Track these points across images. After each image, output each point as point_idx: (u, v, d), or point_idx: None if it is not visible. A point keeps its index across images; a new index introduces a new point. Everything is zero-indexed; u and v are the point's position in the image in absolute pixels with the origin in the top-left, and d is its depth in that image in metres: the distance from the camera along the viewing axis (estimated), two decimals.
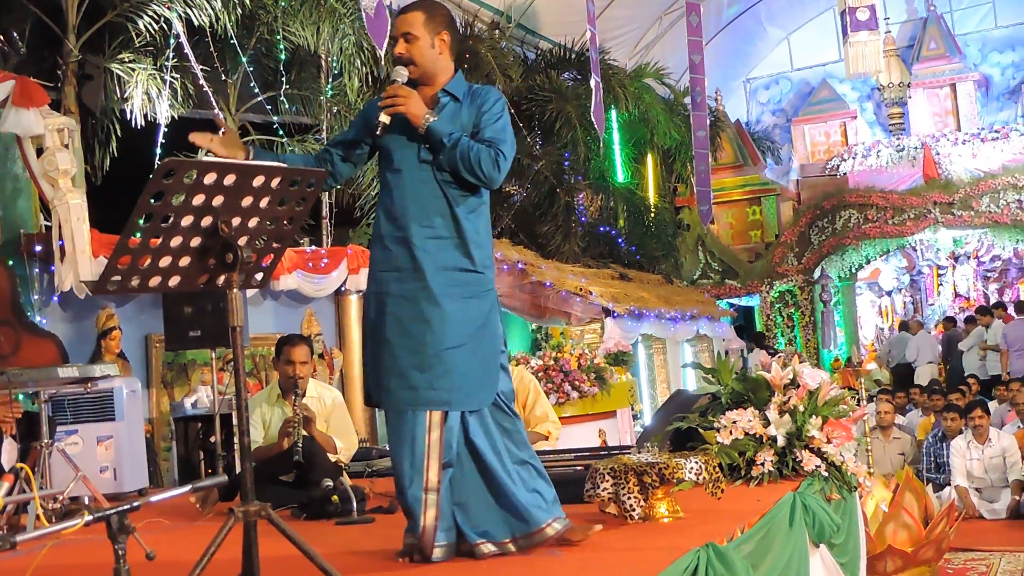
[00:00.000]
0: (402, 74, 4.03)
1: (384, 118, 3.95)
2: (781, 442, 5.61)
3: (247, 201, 2.71)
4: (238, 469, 7.39)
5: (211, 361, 8.57)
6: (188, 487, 2.97)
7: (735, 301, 22.01)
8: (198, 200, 2.62)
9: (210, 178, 2.59)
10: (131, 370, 9.09)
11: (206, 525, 5.61)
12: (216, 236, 2.68)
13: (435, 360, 3.90)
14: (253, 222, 2.77)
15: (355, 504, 5.49)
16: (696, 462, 4.67)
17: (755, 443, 5.62)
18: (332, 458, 6.13)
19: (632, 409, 12.55)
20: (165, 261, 2.69)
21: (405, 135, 4.01)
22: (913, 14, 25.16)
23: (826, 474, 5.62)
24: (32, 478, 2.74)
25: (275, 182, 2.73)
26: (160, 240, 2.64)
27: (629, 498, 4.53)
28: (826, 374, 6.03)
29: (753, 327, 22.69)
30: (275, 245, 2.91)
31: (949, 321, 20.32)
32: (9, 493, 2.54)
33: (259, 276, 2.91)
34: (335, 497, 5.57)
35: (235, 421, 8.49)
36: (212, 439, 8.51)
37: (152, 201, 2.55)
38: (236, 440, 8.03)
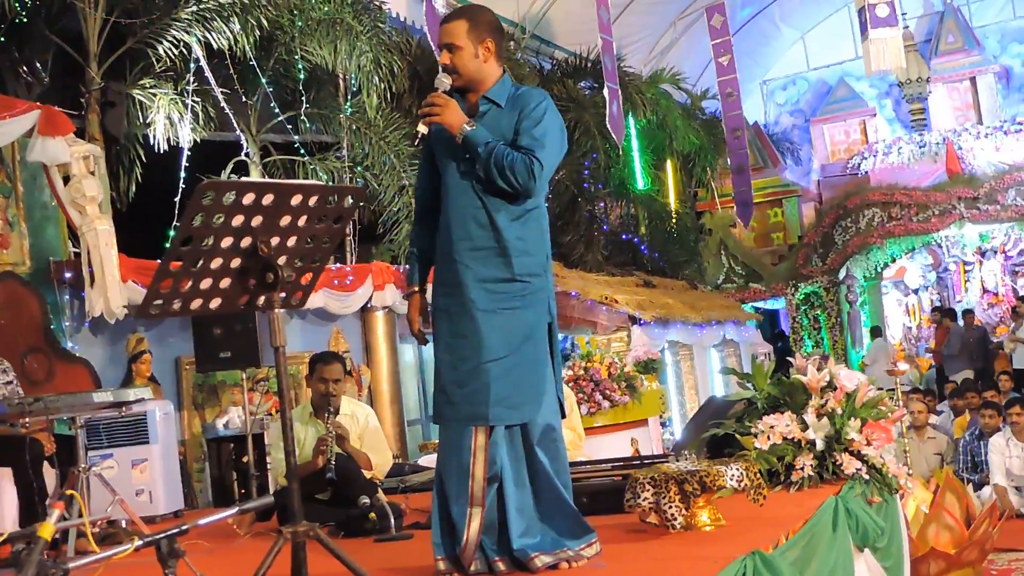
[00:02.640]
0: (444, 83, 4.01)
1: (422, 128, 3.94)
2: (820, 446, 5.57)
3: (285, 220, 2.70)
4: (271, 488, 7.40)
5: (241, 382, 8.56)
6: (235, 508, 2.95)
7: (760, 304, 21.90)
8: (237, 221, 2.61)
9: (248, 198, 2.58)
10: (162, 393, 9.10)
11: (247, 546, 5.59)
12: (256, 256, 2.68)
13: (472, 375, 3.88)
14: (292, 241, 2.77)
15: (393, 520, 5.47)
16: (737, 469, 4.62)
17: (794, 448, 5.58)
18: (367, 475, 6.11)
19: (660, 417, 12.50)
20: (206, 283, 2.68)
21: (449, 146, 4.00)
22: (930, 8, 25.03)
23: (867, 477, 5.57)
24: (83, 504, 2.73)
25: (313, 200, 2.72)
26: (201, 262, 2.63)
27: (671, 507, 4.49)
28: (863, 376, 5.98)
29: (778, 330, 22.62)
30: (314, 264, 2.90)
31: (969, 314, 20.16)
32: (60, 520, 2.53)
33: (299, 295, 2.89)
34: (372, 514, 5.55)
35: (267, 440, 8.50)
36: (244, 459, 8.49)
37: (193, 224, 2.54)
38: (270, 459, 8.04)
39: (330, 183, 11.18)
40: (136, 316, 2.97)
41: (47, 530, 2.48)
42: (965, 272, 22.96)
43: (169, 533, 2.50)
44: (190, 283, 2.66)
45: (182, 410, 9.98)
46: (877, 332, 20.51)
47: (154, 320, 9.66)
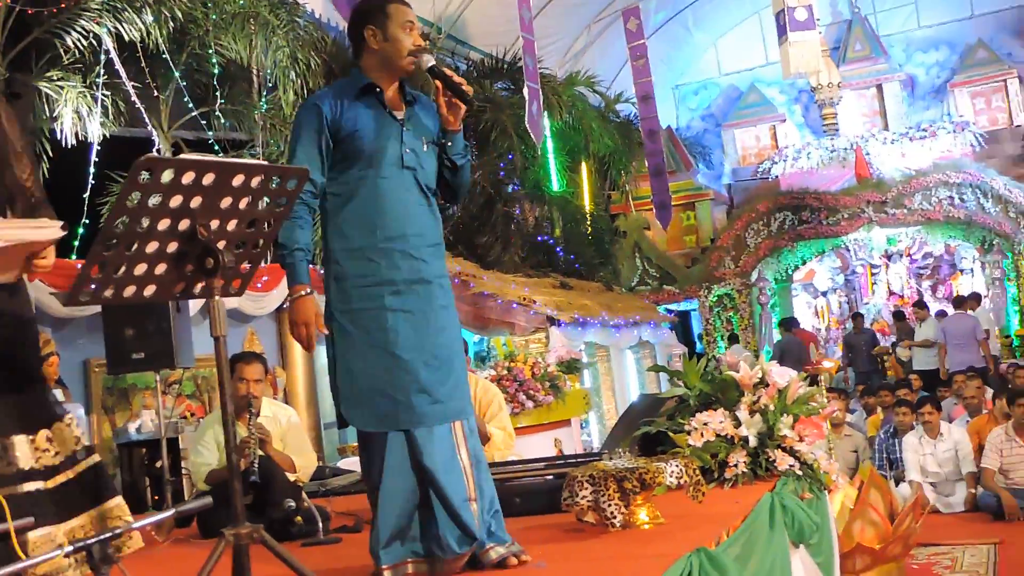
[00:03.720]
0: (431, 60, 3.84)
1: (427, 59, 3.83)
2: (753, 442, 5.52)
3: (226, 202, 2.54)
4: (187, 495, 7.18)
5: (154, 384, 8.32)
6: (171, 511, 2.77)
7: (673, 307, 22.03)
8: (175, 202, 2.44)
9: (188, 177, 2.42)
10: (71, 396, 8.79)
11: (168, 552, 5.39)
12: (194, 240, 2.50)
13: (448, 371, 3.78)
14: (232, 224, 2.60)
15: (320, 524, 5.30)
16: (676, 465, 4.55)
17: (727, 444, 5.52)
18: (291, 478, 5.93)
19: (579, 418, 12.46)
20: (140, 269, 2.50)
21: (382, 134, 3.81)
22: (838, 16, 25.45)
23: (800, 473, 5.54)
24: (7, 509, 2.53)
25: (256, 180, 2.55)
26: (135, 246, 2.46)
27: (610, 505, 4.38)
28: (794, 372, 5.95)
29: (691, 332, 22.76)
30: (255, 250, 2.73)
31: (858, 318, 20.54)
32: None
33: (237, 284, 2.72)
34: (298, 518, 5.37)
35: (181, 445, 8.25)
36: (158, 464, 8.25)
37: (127, 204, 2.36)
38: (185, 464, 7.81)
39: None
40: (65, 304, 2.75)
41: None
42: (872, 275, 23.33)
43: (102, 537, 2.33)
44: (123, 268, 2.48)
45: (91, 414, 9.67)
46: (790, 324, 20.54)
47: (62, 320, 9.35)
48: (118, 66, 10.47)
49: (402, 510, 3.72)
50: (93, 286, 2.45)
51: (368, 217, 3.74)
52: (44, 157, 10.43)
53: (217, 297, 2.52)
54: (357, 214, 3.75)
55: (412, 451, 3.71)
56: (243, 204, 2.58)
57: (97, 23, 9.97)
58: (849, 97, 24.29)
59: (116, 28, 10.09)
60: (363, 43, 3.88)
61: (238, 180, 2.52)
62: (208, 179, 2.44)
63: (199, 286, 2.60)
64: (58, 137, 10.37)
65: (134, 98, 10.77)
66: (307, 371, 11.92)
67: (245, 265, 2.79)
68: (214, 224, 2.54)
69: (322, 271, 3.84)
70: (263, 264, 11.56)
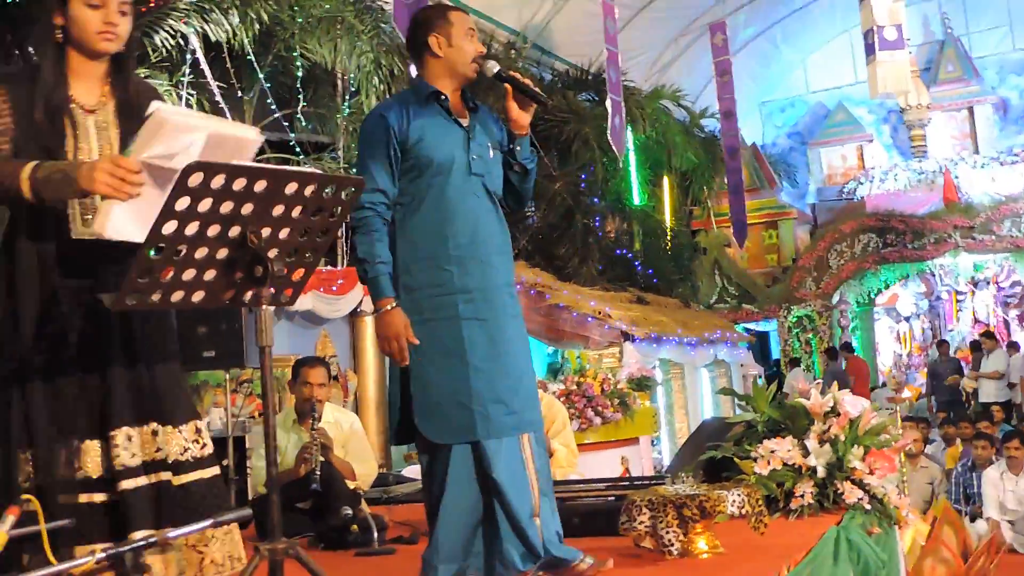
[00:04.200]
0: (494, 68, 3.83)
1: (491, 66, 3.80)
2: (821, 473, 5.37)
3: (279, 210, 2.49)
4: (250, 495, 7.19)
5: (224, 382, 8.35)
6: (209, 521, 2.73)
7: (752, 326, 21.76)
8: (226, 208, 2.40)
9: (239, 183, 2.37)
10: None
11: None
12: (244, 247, 2.46)
13: (521, 382, 3.74)
14: (284, 233, 2.55)
15: (375, 534, 5.26)
16: (738, 494, 4.43)
17: (794, 474, 5.38)
18: (351, 485, 5.90)
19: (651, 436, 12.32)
20: (189, 274, 2.47)
21: (449, 142, 3.78)
22: (930, 37, 25.01)
23: (868, 507, 5.38)
24: (40, 510, 2.51)
25: (309, 189, 2.51)
26: (184, 251, 2.42)
27: (668, 532, 4.28)
28: (867, 402, 5.79)
29: (769, 352, 22.46)
30: (307, 259, 2.68)
31: (944, 344, 20.08)
32: (16, 526, 2.33)
33: (289, 292, 2.68)
34: (354, 526, 5.35)
35: (248, 444, 8.27)
36: (224, 463, 8.27)
37: (176, 208, 2.33)
38: (250, 464, 7.82)
39: None
40: (111, 307, 2.76)
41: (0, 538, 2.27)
42: (957, 302, 22.85)
43: (134, 546, 2.30)
44: (171, 273, 2.45)
45: None
46: (834, 354, 20.09)
47: None
48: (204, 66, 10.55)
49: (464, 524, 3.67)
50: (139, 291, 2.42)
51: (438, 225, 3.71)
52: None
53: (265, 306, 2.47)
54: (426, 223, 3.72)
55: (480, 463, 3.65)
56: (296, 212, 2.54)
57: (184, 23, 10.06)
58: (939, 119, 23.86)
59: (203, 28, 10.18)
60: (426, 51, 3.86)
61: (291, 188, 2.48)
62: (260, 186, 2.40)
63: (249, 294, 2.55)
64: None
65: (219, 98, 10.85)
66: (379, 375, 11.92)
67: (299, 273, 2.74)
68: (265, 232, 2.49)
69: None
70: (339, 267, 11.62)
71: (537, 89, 3.83)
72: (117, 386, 3.11)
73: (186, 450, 3.23)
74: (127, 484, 3.05)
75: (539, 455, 3.79)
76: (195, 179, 2.31)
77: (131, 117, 3.23)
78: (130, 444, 3.11)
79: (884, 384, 20.72)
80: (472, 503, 3.67)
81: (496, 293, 3.75)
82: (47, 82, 3.14)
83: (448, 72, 3.84)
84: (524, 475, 3.68)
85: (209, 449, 3.31)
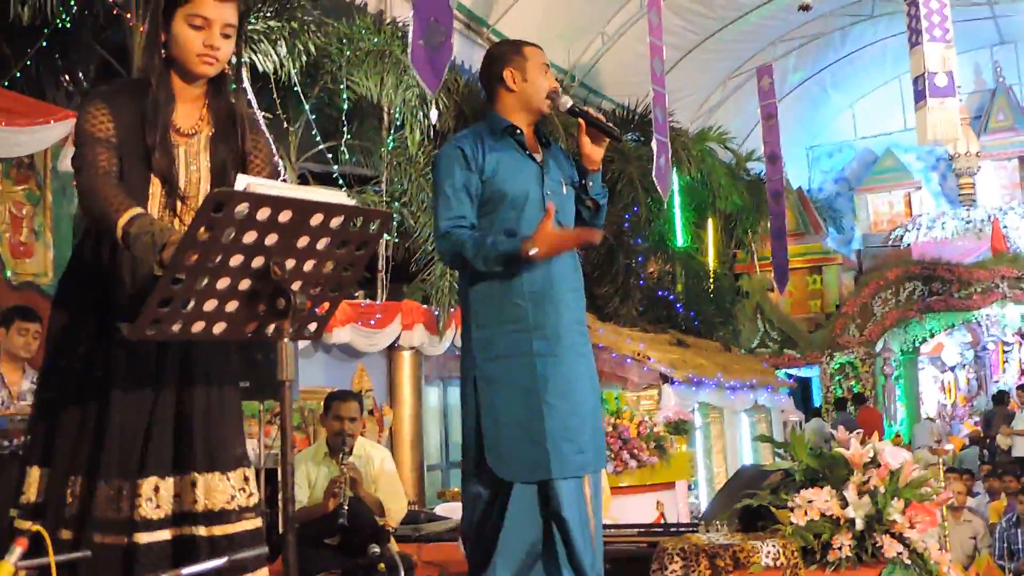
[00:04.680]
0: (568, 103, 3.87)
1: (565, 100, 3.82)
2: (860, 525, 5.23)
3: (303, 241, 2.44)
4: (280, 528, 7.13)
5: (258, 414, 8.30)
6: (224, 560, 2.67)
7: (793, 372, 21.54)
8: (249, 238, 2.35)
9: (263, 213, 2.32)
10: None
11: None
12: (268, 279, 2.41)
13: (588, 420, 3.70)
14: (309, 265, 2.50)
15: (403, 573, 5.18)
16: (773, 545, 4.33)
17: (832, 525, 5.25)
18: (380, 521, 5.83)
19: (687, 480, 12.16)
20: (210, 305, 2.41)
21: (523, 176, 3.78)
22: (981, 85, 24.86)
23: (908, 562, 5.23)
24: (48, 541, 2.46)
25: (336, 221, 2.45)
26: (206, 281, 2.37)
27: None
28: (908, 453, 5.65)
29: (811, 399, 22.19)
30: (332, 293, 2.63)
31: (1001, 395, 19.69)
32: (24, 558, 2.28)
33: (313, 326, 2.62)
34: (381, 565, 5.28)
35: (279, 477, 8.23)
36: None
37: (198, 237, 2.28)
38: (280, 498, 7.76)
39: None
40: (130, 336, 2.70)
41: (5, 571, 2.22)
42: (1004, 352, 22.53)
43: None
44: (193, 303, 2.40)
45: None
46: (842, 404, 19.90)
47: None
48: (250, 95, 10.58)
49: (524, 560, 3.61)
50: (158, 320, 2.37)
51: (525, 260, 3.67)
52: None
53: (287, 340, 2.42)
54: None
55: (547, 502, 3.60)
56: (321, 244, 2.48)
57: (234, 53, 10.09)
58: (988, 168, 23.67)
59: (251, 58, 10.22)
60: (500, 85, 3.87)
61: (316, 219, 2.42)
62: (285, 216, 2.35)
63: (271, 327, 2.50)
64: None
65: (264, 128, 10.88)
66: (414, 411, 11.87)
67: (324, 306, 2.68)
68: (289, 263, 2.44)
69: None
70: (379, 301, 11.59)
71: (610, 124, 3.88)
72: (161, 425, 2.99)
73: (232, 498, 3.06)
74: (143, 538, 2.93)
75: (596, 494, 3.75)
76: (218, 208, 2.26)
77: (226, 142, 3.17)
78: (156, 496, 2.96)
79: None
80: (534, 539, 3.63)
81: (568, 331, 3.72)
82: (158, 101, 3.03)
83: (522, 106, 3.85)
84: (587, 515, 3.65)
85: (255, 498, 3.15)
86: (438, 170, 3.81)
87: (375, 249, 2.81)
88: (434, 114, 11.22)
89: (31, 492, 2.97)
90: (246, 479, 3.13)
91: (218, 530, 3.02)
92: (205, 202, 2.28)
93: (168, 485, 2.99)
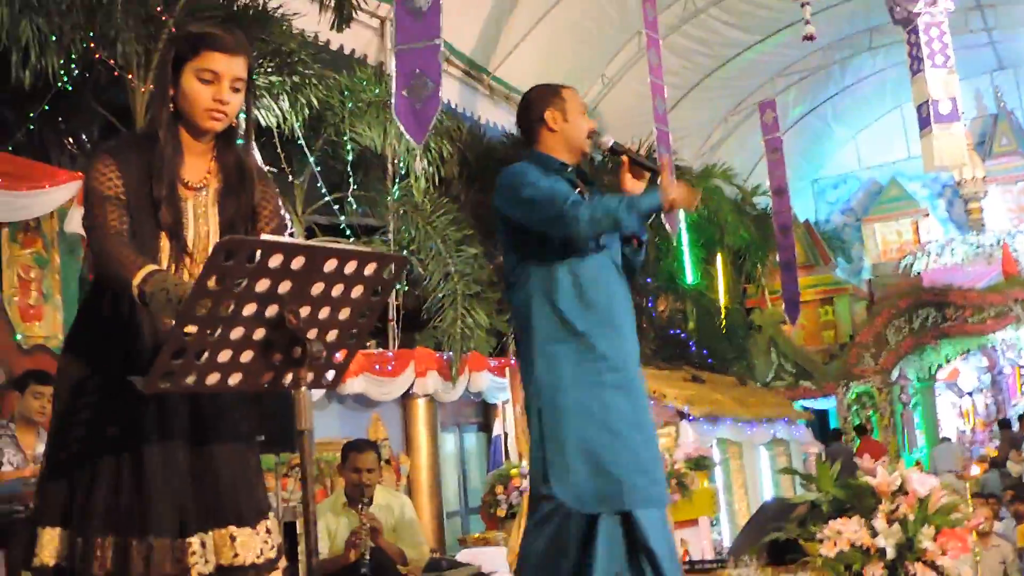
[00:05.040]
0: (612, 140, 3.96)
1: (606, 141, 3.88)
2: (891, 554, 5.14)
3: (317, 288, 2.40)
4: None
5: (274, 467, 8.24)
6: None
7: (810, 403, 21.41)
8: (262, 286, 2.31)
9: (275, 260, 2.29)
10: None
11: None
12: (282, 328, 2.36)
13: (655, 451, 3.72)
14: (324, 313, 2.45)
15: None
16: None
17: (862, 555, 5.16)
18: (402, 570, 5.77)
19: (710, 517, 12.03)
20: (225, 356, 2.37)
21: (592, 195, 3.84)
22: (983, 111, 24.91)
23: None
24: None
25: (350, 267, 2.41)
26: (219, 331, 2.33)
27: None
28: (935, 479, 5.57)
29: (828, 430, 22.06)
30: (349, 340, 2.58)
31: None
32: None
33: (331, 374, 2.58)
34: None
35: (299, 530, 8.16)
36: None
37: (209, 287, 2.24)
38: (301, 551, 7.68)
39: None
40: (144, 390, 2.68)
41: None
42: (1021, 376, 22.39)
43: None
44: (207, 355, 2.36)
45: None
46: (838, 434, 19.87)
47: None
48: (255, 151, 10.60)
49: None
50: (172, 372, 2.33)
51: (580, 293, 3.72)
52: None
53: (303, 389, 2.37)
54: (568, 291, 3.72)
55: (631, 534, 3.56)
56: (336, 291, 2.44)
57: (243, 108, 10.10)
58: (995, 192, 23.66)
59: (254, 114, 10.24)
60: (542, 126, 3.95)
61: (331, 265, 2.38)
62: (297, 263, 2.31)
63: (288, 376, 2.45)
64: None
65: (271, 180, 10.88)
66: (431, 458, 11.80)
67: (342, 354, 2.64)
68: (304, 311, 2.40)
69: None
70: (390, 350, 11.55)
71: (652, 160, 3.98)
72: (200, 480, 2.96)
73: (261, 552, 3.05)
74: None
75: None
76: (228, 256, 2.23)
77: (235, 196, 3.15)
78: (203, 551, 2.93)
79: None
80: (619, 572, 3.58)
81: (632, 361, 3.76)
82: (165, 155, 3.00)
83: (565, 146, 3.92)
84: (674, 547, 3.67)
85: (275, 550, 3.13)
86: (519, 179, 3.82)
87: (391, 294, 2.76)
88: (418, 165, 11.27)
89: (45, 554, 2.90)
90: (268, 531, 3.11)
91: None
92: (215, 250, 2.24)
93: (211, 540, 2.96)
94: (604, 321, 3.69)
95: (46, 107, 8.85)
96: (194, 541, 2.92)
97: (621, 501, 3.54)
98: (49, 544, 2.90)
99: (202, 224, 3.07)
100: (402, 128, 10.27)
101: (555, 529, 3.60)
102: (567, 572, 3.56)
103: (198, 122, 3.05)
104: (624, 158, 3.90)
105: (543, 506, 3.62)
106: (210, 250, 2.89)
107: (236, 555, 2.98)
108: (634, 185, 3.91)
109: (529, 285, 3.75)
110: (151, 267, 2.75)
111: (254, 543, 3.03)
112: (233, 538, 2.99)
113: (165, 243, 3.00)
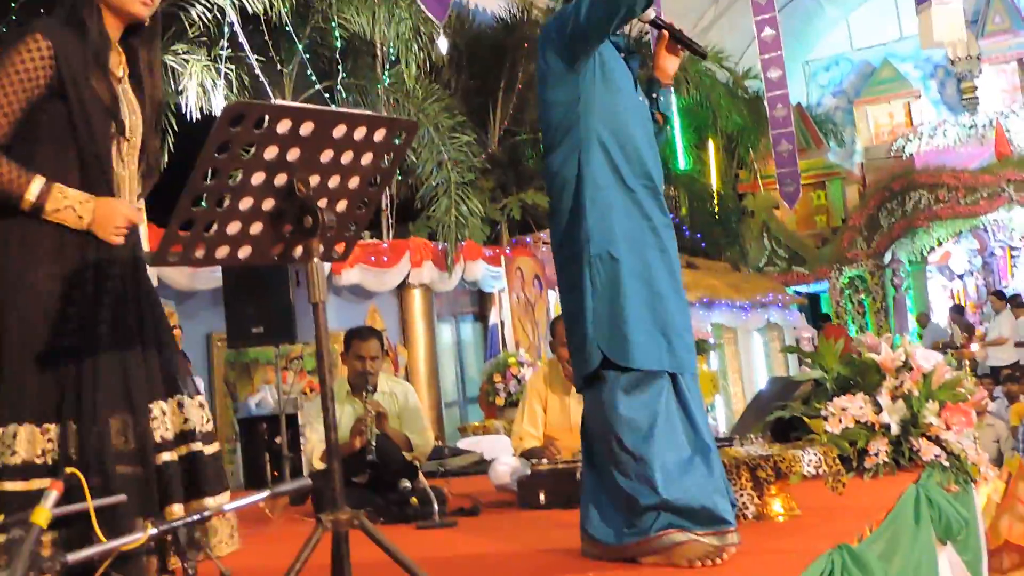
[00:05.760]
0: (653, 12, 3.72)
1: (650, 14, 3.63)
2: (895, 430, 5.16)
3: (327, 156, 2.31)
4: (305, 471, 7.06)
5: (274, 360, 8.23)
6: (267, 492, 2.57)
7: (802, 288, 21.46)
8: (270, 154, 2.22)
9: (284, 126, 2.19)
10: (192, 370, 8.78)
11: (278, 533, 5.25)
12: (292, 197, 2.28)
13: (689, 319, 3.56)
14: (334, 181, 2.37)
15: (436, 507, 5.09)
16: (814, 454, 4.23)
17: (867, 432, 5.17)
18: (407, 457, 5.74)
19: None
20: (234, 227, 2.29)
21: (629, 76, 3.65)
22: None
23: (946, 464, 5.16)
24: (85, 485, 2.37)
25: (359, 132, 2.32)
26: (227, 202, 2.25)
27: (743, 495, 4.09)
28: (940, 355, 5.56)
29: (826, 314, 22.14)
30: (359, 210, 2.50)
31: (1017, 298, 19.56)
32: (59, 503, 2.19)
33: (341, 247, 2.50)
34: (414, 499, 5.18)
35: (300, 421, 8.16)
36: (278, 440, 8.15)
37: (217, 155, 2.15)
38: (303, 440, 7.71)
39: None
40: (151, 264, 2.71)
41: (42, 515, 2.13)
42: (1012, 257, 22.40)
43: (188, 520, 2.14)
44: (215, 226, 2.28)
45: (213, 388, 9.67)
46: (925, 320, 20.06)
47: (185, 293, 9.35)
48: (242, 39, 10.36)
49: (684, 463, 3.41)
50: (181, 247, 2.25)
51: (631, 148, 3.54)
52: (170, 131, 10.33)
53: (316, 260, 2.29)
54: (621, 139, 3.54)
55: (680, 398, 3.46)
56: (345, 158, 2.35)
57: None
58: (988, 72, 23.39)
59: (240, 1, 9.99)
60: None
61: (339, 131, 2.29)
62: (306, 129, 2.22)
63: (299, 248, 2.37)
64: (183, 111, 10.29)
65: (258, 72, 10.66)
66: (428, 349, 11.81)
67: (352, 225, 2.56)
68: (314, 180, 2.31)
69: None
70: (384, 240, 11.47)
71: (694, 42, 3.75)
72: (150, 354, 3.08)
73: (208, 420, 3.23)
74: (162, 457, 3.01)
75: None
76: (236, 122, 2.13)
77: (143, 86, 3.13)
78: (164, 418, 3.06)
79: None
80: (683, 440, 3.46)
81: (668, 230, 3.58)
82: (96, 43, 2.94)
83: None
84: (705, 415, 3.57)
85: (211, 423, 3.30)
86: (559, 15, 3.62)
87: (402, 157, 2.67)
88: (443, 43, 11.01)
89: (22, 451, 2.90)
90: (202, 406, 3.28)
91: (208, 448, 3.19)
92: (222, 114, 2.16)
93: (168, 408, 3.10)
94: (648, 183, 3.54)
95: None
96: (154, 408, 3.04)
97: (669, 362, 3.42)
98: (25, 440, 2.89)
99: (130, 112, 3.07)
100: (423, 6, 9.99)
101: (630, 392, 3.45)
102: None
103: (127, 7, 3.00)
104: (664, 32, 3.73)
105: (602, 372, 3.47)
106: (137, 139, 2.89)
107: (186, 420, 3.13)
108: (668, 62, 3.79)
109: (580, 132, 3.53)
110: (40, 181, 2.81)
111: (199, 413, 3.19)
112: (181, 405, 3.14)
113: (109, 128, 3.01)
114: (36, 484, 2.80)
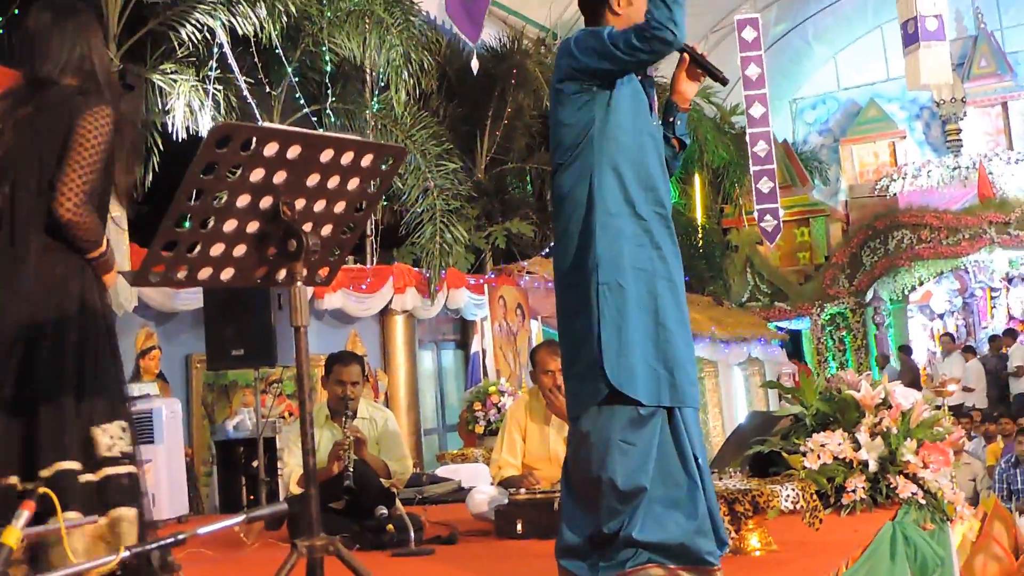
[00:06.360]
0: None
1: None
2: (873, 467, 5.17)
3: (314, 179, 2.31)
4: (281, 495, 7.01)
5: (254, 382, 8.19)
6: (242, 516, 2.55)
7: (784, 324, 21.52)
8: (256, 176, 2.22)
9: (271, 148, 2.19)
10: (171, 391, 8.73)
11: (253, 557, 5.23)
12: (277, 220, 2.28)
13: (693, 352, 3.55)
14: (320, 205, 2.37)
15: (412, 534, 5.07)
16: (792, 489, 4.23)
17: (845, 468, 5.18)
18: (385, 483, 5.71)
19: None
20: (217, 249, 2.28)
21: (641, 90, 3.64)
22: (963, 32, 24.66)
23: (923, 502, 5.17)
24: (57, 504, 2.35)
25: (347, 157, 2.32)
26: (212, 223, 2.24)
27: None
28: (919, 394, 5.58)
29: (801, 351, 22.21)
30: (344, 235, 2.50)
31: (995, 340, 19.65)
32: (32, 523, 2.17)
33: (325, 271, 2.50)
34: (390, 526, 5.16)
35: (279, 444, 8.11)
36: (255, 464, 8.10)
37: (202, 175, 2.15)
38: (281, 464, 7.66)
39: None
40: (132, 284, 2.67)
41: (12, 535, 2.11)
42: (992, 299, 22.52)
43: (162, 543, 2.12)
44: (199, 248, 2.27)
45: (191, 410, 9.61)
46: (883, 361, 20.18)
47: (165, 315, 9.31)
48: (231, 60, 10.35)
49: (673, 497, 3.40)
50: (163, 267, 2.24)
51: (644, 174, 3.53)
52: (155, 151, 10.27)
53: (299, 284, 2.29)
54: (634, 165, 3.52)
55: (675, 434, 3.42)
56: (332, 183, 2.35)
57: (211, 16, 9.84)
58: (973, 115, 23.59)
59: (230, 22, 9.97)
60: (605, 8, 3.67)
61: (327, 155, 2.29)
62: (293, 152, 2.22)
63: (282, 272, 2.37)
64: (169, 131, 10.25)
65: (246, 93, 10.64)
66: (409, 375, 11.78)
67: (336, 250, 2.56)
68: (299, 203, 2.31)
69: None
70: (368, 266, 11.46)
71: (714, 67, 3.76)
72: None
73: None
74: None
75: None
76: (222, 142, 2.13)
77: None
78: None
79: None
80: (678, 472, 3.44)
81: (677, 260, 3.57)
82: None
83: None
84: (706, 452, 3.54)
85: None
86: (588, 37, 3.58)
87: (389, 184, 2.67)
88: (475, 64, 11.06)
89: None
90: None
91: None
92: (208, 135, 2.16)
93: None
94: (660, 211, 3.53)
95: (15, 12, 8.61)
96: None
97: (669, 396, 3.40)
98: None
99: None
100: (456, 29, 10.02)
101: (630, 430, 3.42)
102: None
103: None
104: (685, 56, 3.74)
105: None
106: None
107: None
108: (687, 87, 3.81)
109: (592, 155, 3.50)
110: None
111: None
112: None
113: None
114: None
